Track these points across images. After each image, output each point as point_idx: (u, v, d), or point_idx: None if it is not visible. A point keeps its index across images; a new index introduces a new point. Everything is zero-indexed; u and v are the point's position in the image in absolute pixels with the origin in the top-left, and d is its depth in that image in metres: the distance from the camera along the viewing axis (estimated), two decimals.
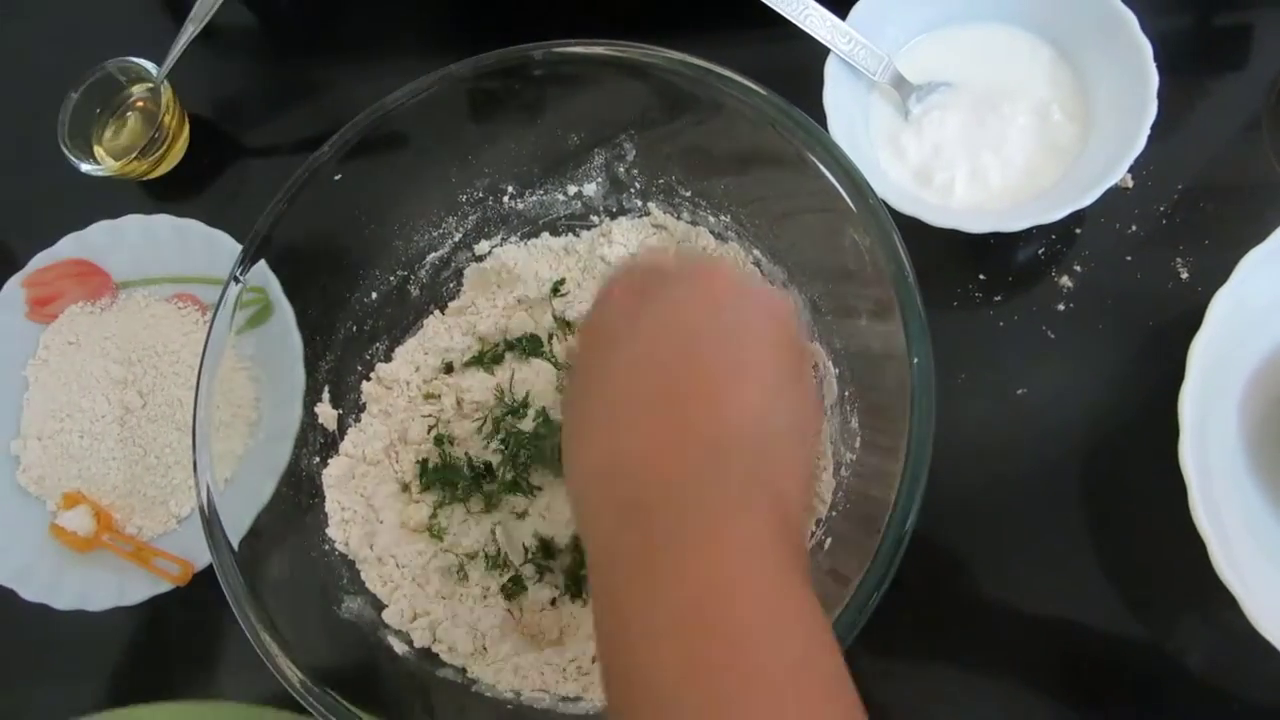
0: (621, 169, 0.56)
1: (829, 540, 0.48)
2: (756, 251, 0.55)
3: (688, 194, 0.56)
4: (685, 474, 0.33)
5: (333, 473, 0.53)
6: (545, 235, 0.58)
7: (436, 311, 0.58)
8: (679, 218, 0.57)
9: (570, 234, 0.58)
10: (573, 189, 0.57)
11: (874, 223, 0.44)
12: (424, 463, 0.54)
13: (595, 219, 0.57)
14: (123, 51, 0.67)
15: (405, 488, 0.54)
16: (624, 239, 0.56)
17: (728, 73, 0.47)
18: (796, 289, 0.54)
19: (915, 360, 0.41)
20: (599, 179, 0.56)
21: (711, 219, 0.56)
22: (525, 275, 0.56)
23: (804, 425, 0.37)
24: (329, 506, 0.52)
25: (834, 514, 0.50)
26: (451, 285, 0.58)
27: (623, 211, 0.57)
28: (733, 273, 0.38)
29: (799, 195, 0.49)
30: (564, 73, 0.50)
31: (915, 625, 0.53)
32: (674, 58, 0.48)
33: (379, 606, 0.50)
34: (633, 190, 0.57)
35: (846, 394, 0.51)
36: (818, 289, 0.53)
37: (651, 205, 0.57)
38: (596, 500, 0.35)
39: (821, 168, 0.46)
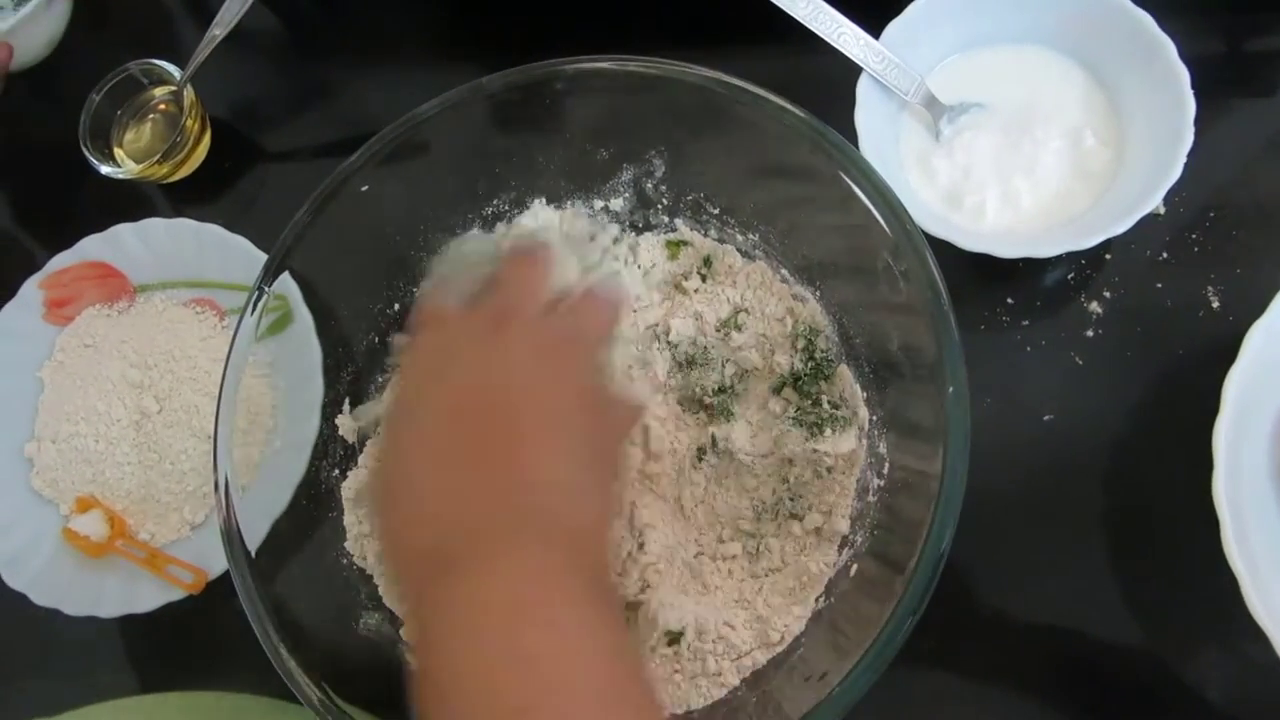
0: (650, 185, 0.56)
1: (855, 566, 0.48)
2: (784, 270, 0.54)
3: (715, 211, 0.56)
4: (483, 515, 0.36)
5: (351, 485, 0.52)
6: None
7: None
8: (706, 234, 0.56)
9: None
10: (599, 203, 0.56)
11: (910, 248, 0.43)
12: None
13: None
14: (146, 54, 0.67)
15: None
16: (649, 254, 0.56)
17: (763, 92, 0.47)
18: (823, 308, 0.53)
19: (951, 389, 0.41)
20: (626, 194, 0.56)
21: (739, 237, 0.55)
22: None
23: (597, 460, 0.40)
24: (347, 520, 0.51)
25: (859, 538, 0.49)
26: None
27: (649, 227, 0.57)
28: (525, 330, 0.41)
29: (831, 216, 0.48)
30: (594, 86, 0.50)
31: (935, 648, 0.53)
32: (707, 75, 0.47)
33: (398, 623, 0.49)
34: (660, 206, 0.56)
35: (875, 418, 0.51)
36: (847, 310, 0.52)
37: (679, 221, 0.56)
38: (406, 557, 0.37)
39: (856, 189, 0.45)
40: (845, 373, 0.52)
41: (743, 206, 0.55)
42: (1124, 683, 0.52)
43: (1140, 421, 0.55)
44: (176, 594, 0.57)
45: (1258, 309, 0.49)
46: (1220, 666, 0.51)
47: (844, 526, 0.50)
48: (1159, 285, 0.57)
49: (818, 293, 0.53)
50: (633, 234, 0.57)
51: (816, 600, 0.49)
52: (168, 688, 0.59)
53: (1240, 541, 0.45)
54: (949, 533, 0.40)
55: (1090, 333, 0.56)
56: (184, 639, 0.59)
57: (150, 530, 0.60)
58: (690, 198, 0.55)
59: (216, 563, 0.58)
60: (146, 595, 0.58)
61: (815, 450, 0.50)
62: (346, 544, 0.51)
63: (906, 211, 0.44)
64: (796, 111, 0.46)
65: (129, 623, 0.58)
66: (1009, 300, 0.57)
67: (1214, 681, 0.51)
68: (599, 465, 0.40)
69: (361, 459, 0.53)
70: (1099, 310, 0.57)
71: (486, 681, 0.31)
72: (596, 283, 0.44)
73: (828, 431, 0.50)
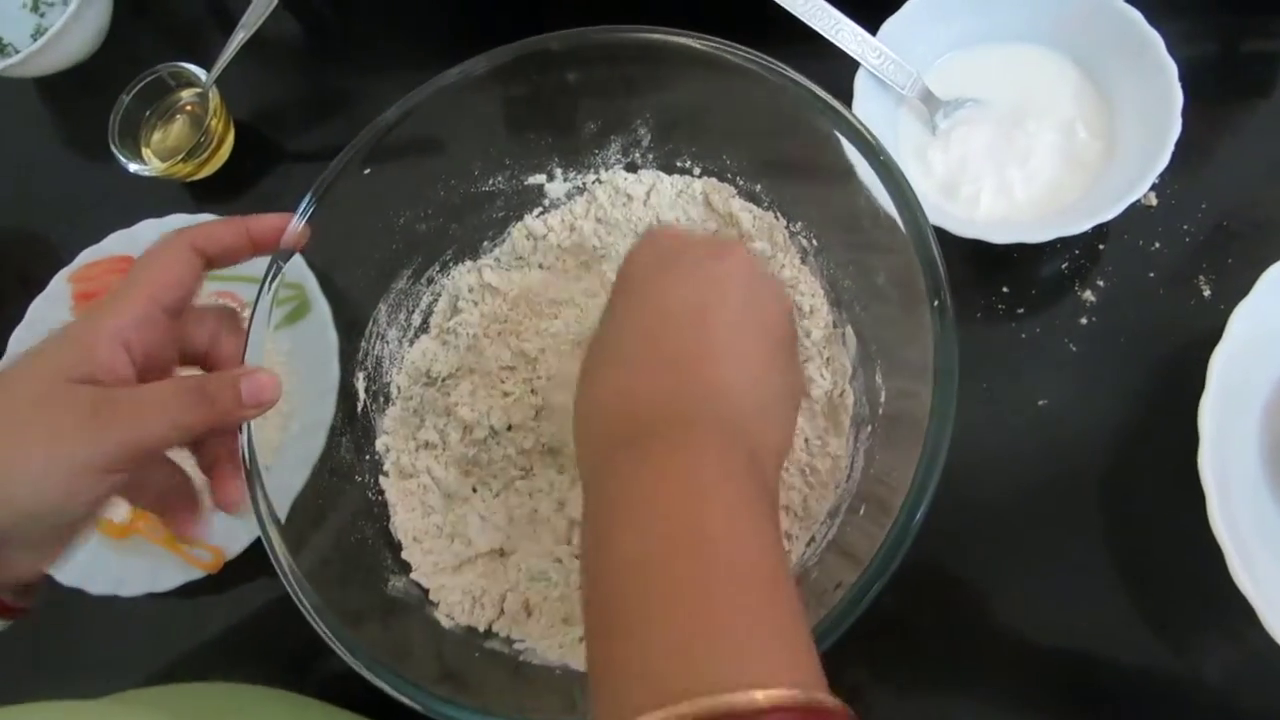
0: (637, 154, 0.58)
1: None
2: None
3: (698, 173, 0.57)
4: (677, 413, 0.37)
5: (382, 454, 0.55)
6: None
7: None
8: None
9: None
10: (591, 176, 0.58)
11: (891, 182, 0.46)
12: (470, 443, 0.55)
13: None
14: (174, 57, 0.70)
15: (459, 470, 0.55)
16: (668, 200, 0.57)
17: (739, 48, 0.49)
18: (815, 260, 0.55)
19: (938, 309, 0.44)
20: (615, 165, 0.58)
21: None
22: (563, 240, 0.58)
23: (790, 395, 0.42)
24: (384, 484, 0.54)
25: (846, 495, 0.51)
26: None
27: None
28: (747, 255, 0.42)
29: (817, 168, 0.50)
30: (581, 59, 0.52)
31: (926, 629, 0.54)
32: (693, 40, 0.49)
33: (425, 587, 0.51)
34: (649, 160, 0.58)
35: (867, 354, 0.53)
36: (832, 256, 0.54)
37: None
38: (597, 429, 0.39)
39: (838, 135, 0.48)
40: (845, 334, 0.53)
41: (730, 166, 0.56)
42: (1117, 663, 0.53)
43: (1133, 406, 0.56)
44: (196, 574, 0.59)
45: (1247, 295, 0.51)
46: (1216, 646, 0.52)
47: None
48: (1151, 274, 0.58)
49: (812, 243, 0.55)
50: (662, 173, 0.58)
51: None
52: (188, 663, 0.61)
53: (1227, 517, 0.46)
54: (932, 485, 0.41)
55: (1084, 320, 0.58)
56: (204, 616, 0.61)
57: None
58: (677, 162, 0.57)
59: (235, 543, 0.60)
60: (167, 575, 0.59)
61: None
62: (375, 512, 0.53)
63: (885, 149, 0.46)
64: (776, 65, 0.48)
65: (150, 601, 0.60)
66: (1005, 289, 0.59)
67: (1208, 660, 0.52)
68: (788, 399, 0.41)
69: (381, 437, 0.55)
70: (1093, 299, 0.58)
71: (666, 559, 0.32)
72: None
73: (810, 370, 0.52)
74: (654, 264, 0.42)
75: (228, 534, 0.60)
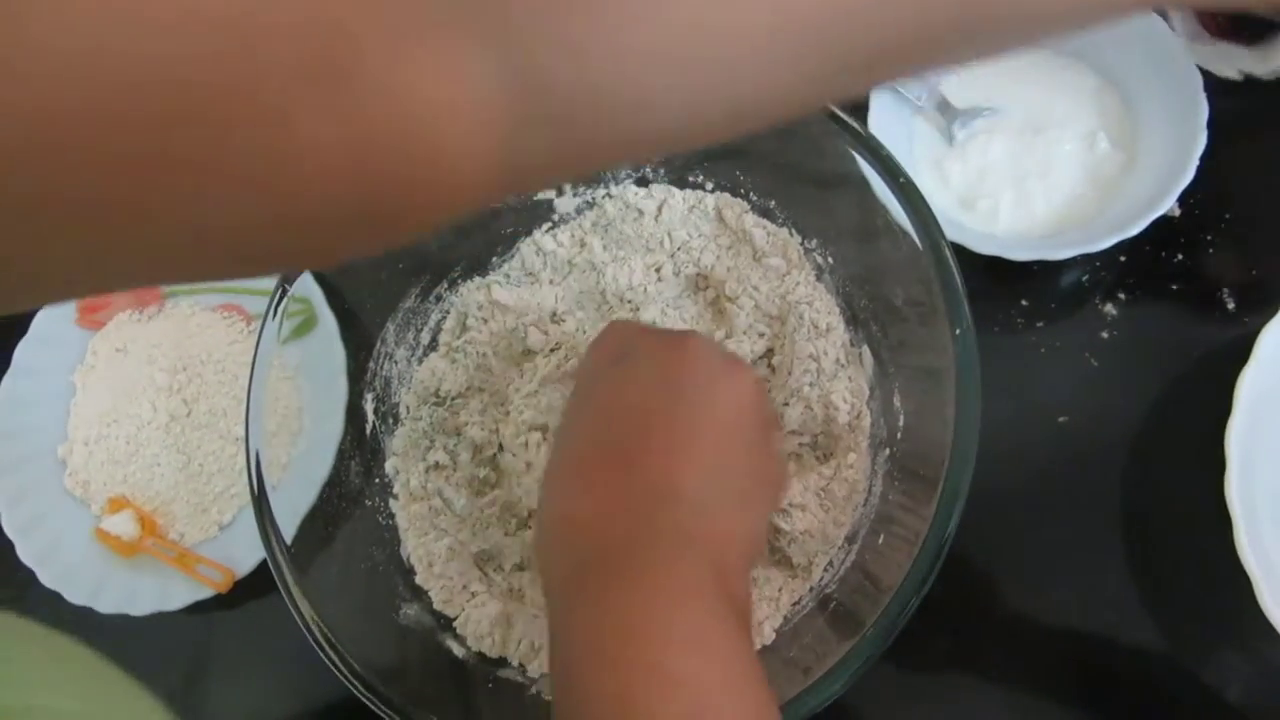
0: (649, 168, 0.56)
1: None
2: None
3: (710, 188, 0.56)
4: (624, 532, 0.35)
5: (391, 476, 0.54)
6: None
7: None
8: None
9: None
10: (601, 190, 0.57)
11: (906, 201, 0.45)
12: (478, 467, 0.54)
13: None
14: None
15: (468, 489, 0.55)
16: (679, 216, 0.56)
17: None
18: (831, 278, 0.54)
19: (958, 330, 0.43)
20: (627, 179, 0.57)
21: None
22: (575, 259, 0.57)
23: (757, 485, 0.40)
24: (394, 507, 0.53)
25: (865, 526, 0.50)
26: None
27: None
28: (703, 345, 0.41)
29: (831, 185, 0.50)
30: None
31: (949, 648, 0.53)
32: None
33: (436, 612, 0.50)
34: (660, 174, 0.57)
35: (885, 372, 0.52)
36: (849, 273, 0.53)
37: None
38: (556, 555, 0.37)
39: (853, 154, 0.47)
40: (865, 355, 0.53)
41: (743, 181, 0.55)
42: (1138, 683, 0.52)
43: (1155, 423, 0.55)
44: (206, 592, 0.59)
45: (1272, 310, 0.50)
46: (1236, 668, 0.52)
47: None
48: (1174, 287, 0.57)
49: (827, 261, 0.54)
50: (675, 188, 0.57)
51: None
52: (197, 683, 0.61)
53: (1254, 541, 0.46)
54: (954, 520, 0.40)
55: (1105, 334, 0.57)
56: (213, 635, 0.61)
57: (180, 530, 0.61)
58: (689, 177, 0.56)
59: (244, 562, 0.59)
60: (176, 594, 0.59)
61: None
62: (386, 537, 0.52)
63: (902, 168, 0.45)
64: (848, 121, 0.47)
65: (159, 620, 0.59)
66: (1023, 302, 0.58)
67: (1230, 683, 0.51)
68: (754, 490, 0.39)
69: (390, 458, 0.55)
70: (1113, 312, 0.57)
71: (626, 705, 0.31)
72: None
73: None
74: (606, 361, 0.41)
75: (237, 553, 0.59)
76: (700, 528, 0.36)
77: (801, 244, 0.54)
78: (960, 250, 0.52)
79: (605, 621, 0.33)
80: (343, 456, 0.52)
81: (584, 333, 0.55)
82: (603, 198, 0.57)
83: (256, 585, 0.59)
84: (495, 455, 0.54)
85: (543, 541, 0.38)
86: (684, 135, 0.26)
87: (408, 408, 0.56)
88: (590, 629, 0.33)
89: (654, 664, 0.32)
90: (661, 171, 0.56)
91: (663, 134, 0.25)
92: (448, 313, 0.57)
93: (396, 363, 0.56)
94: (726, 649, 0.33)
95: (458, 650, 0.49)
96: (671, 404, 0.38)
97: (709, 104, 0.24)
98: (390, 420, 0.55)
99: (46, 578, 0.60)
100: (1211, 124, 0.52)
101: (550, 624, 0.36)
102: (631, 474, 0.36)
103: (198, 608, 0.58)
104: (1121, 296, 0.57)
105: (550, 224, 0.57)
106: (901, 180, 0.45)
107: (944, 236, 0.45)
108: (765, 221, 0.55)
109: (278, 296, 0.50)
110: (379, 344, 0.55)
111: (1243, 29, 0.53)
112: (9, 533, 0.60)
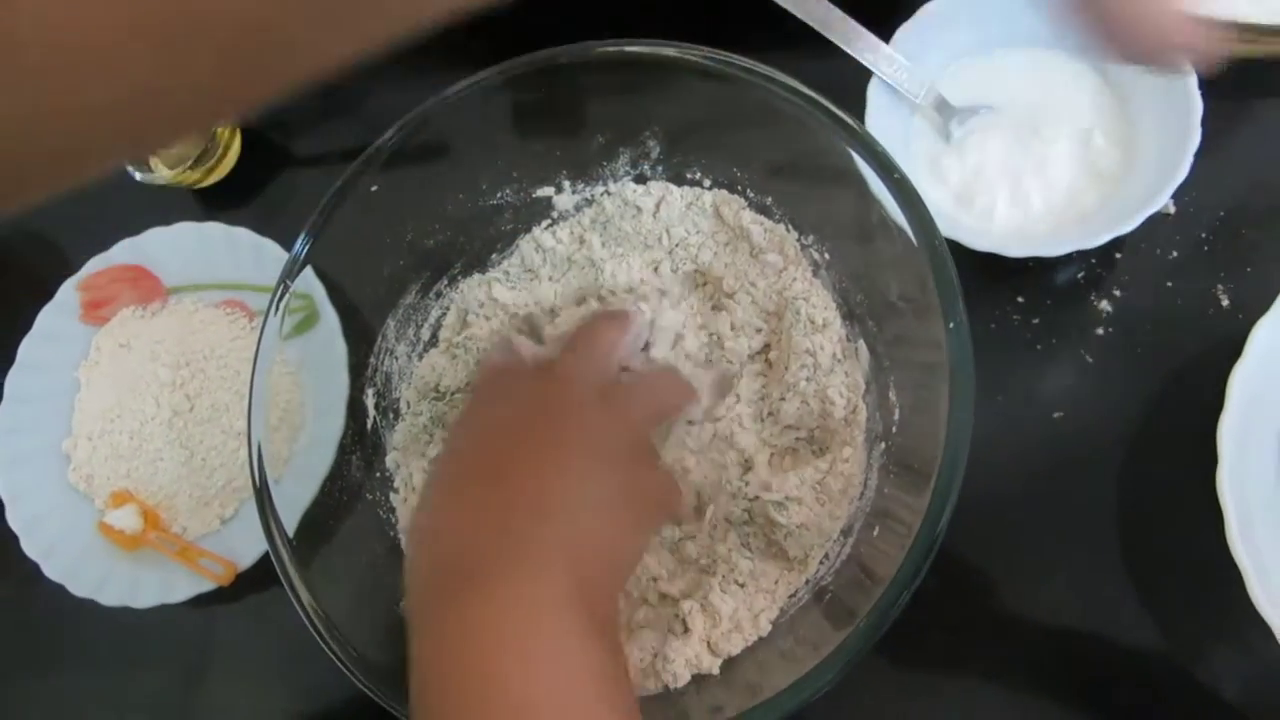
0: (647, 166, 0.57)
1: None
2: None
3: (708, 185, 0.57)
4: (487, 541, 0.36)
5: (391, 470, 0.54)
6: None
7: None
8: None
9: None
10: (599, 188, 0.57)
11: (903, 199, 0.45)
12: None
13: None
14: None
15: None
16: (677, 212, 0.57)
17: (750, 63, 0.48)
18: (828, 274, 0.54)
19: (951, 324, 0.43)
20: (625, 177, 0.57)
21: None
22: (574, 256, 0.57)
23: (629, 505, 0.40)
24: (394, 501, 0.53)
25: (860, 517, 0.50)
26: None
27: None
28: (578, 374, 0.42)
29: (827, 180, 0.50)
30: (591, 71, 0.51)
31: (943, 644, 0.54)
32: (704, 54, 0.49)
33: None
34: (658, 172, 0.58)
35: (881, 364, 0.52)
36: (847, 270, 0.53)
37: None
38: (418, 558, 0.38)
39: (849, 150, 0.47)
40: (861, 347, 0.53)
41: (741, 178, 0.56)
42: (1134, 679, 0.53)
43: (1150, 419, 0.55)
44: (207, 585, 0.59)
45: (1267, 307, 0.50)
46: (1231, 664, 0.52)
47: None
48: (1169, 284, 0.57)
49: (824, 257, 0.54)
50: (673, 186, 0.57)
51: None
52: (199, 675, 0.61)
53: (1245, 536, 0.46)
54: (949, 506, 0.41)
55: (1100, 331, 0.57)
56: (215, 628, 0.61)
57: (182, 524, 0.62)
58: (687, 174, 0.57)
59: (246, 556, 0.60)
60: (179, 586, 0.59)
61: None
62: (387, 530, 0.53)
63: (899, 166, 0.46)
64: (789, 81, 0.48)
65: (162, 613, 0.60)
66: (1019, 299, 0.58)
67: (1223, 677, 0.52)
68: (627, 508, 0.39)
69: (390, 453, 0.55)
70: (1109, 309, 0.57)
71: (451, 687, 0.32)
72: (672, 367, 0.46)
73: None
74: (486, 386, 0.43)
75: (239, 547, 0.60)
76: (565, 542, 0.36)
77: (798, 240, 0.54)
78: (956, 247, 0.52)
79: (454, 631, 0.33)
80: (344, 451, 0.53)
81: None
82: (602, 195, 0.57)
83: (258, 578, 0.59)
84: None
85: (408, 555, 0.39)
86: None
87: (408, 403, 0.56)
88: (439, 639, 0.34)
89: (496, 679, 0.32)
90: (660, 169, 0.57)
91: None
92: (448, 309, 0.58)
93: (397, 358, 0.56)
94: (577, 665, 0.33)
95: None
96: (543, 422, 0.39)
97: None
98: (391, 415, 0.56)
99: (51, 571, 0.60)
100: (1206, 121, 0.52)
101: (407, 621, 0.37)
102: (498, 487, 0.37)
103: (200, 601, 0.59)
104: (1117, 293, 0.57)
105: (550, 221, 0.58)
106: (896, 176, 0.46)
107: (939, 232, 0.45)
108: (762, 218, 0.55)
109: (280, 293, 0.50)
110: (380, 340, 0.56)
111: None
112: (14, 526, 0.61)
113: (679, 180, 0.57)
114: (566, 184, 0.57)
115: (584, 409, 0.40)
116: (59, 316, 0.67)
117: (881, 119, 0.56)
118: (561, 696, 0.32)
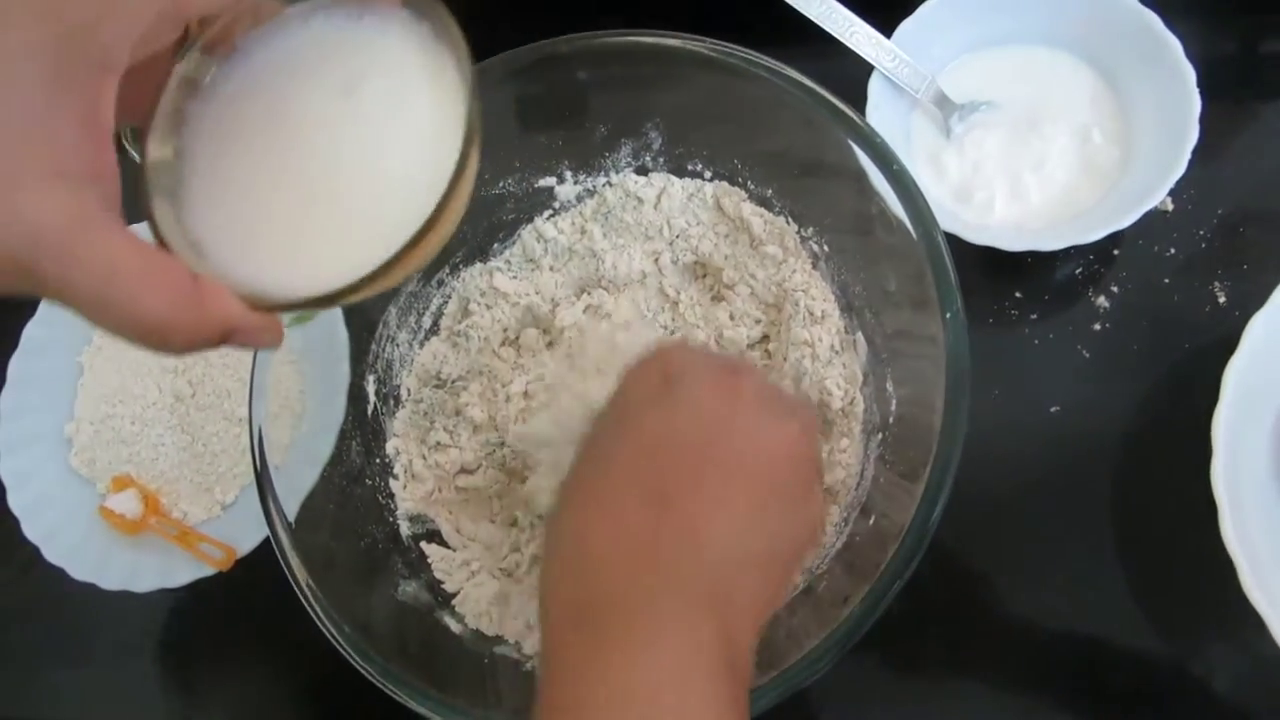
0: (648, 157, 0.57)
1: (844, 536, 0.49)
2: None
3: (709, 176, 0.57)
4: (638, 584, 0.33)
5: (392, 457, 0.55)
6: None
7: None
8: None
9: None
10: (601, 179, 0.57)
11: (901, 190, 0.46)
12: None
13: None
14: None
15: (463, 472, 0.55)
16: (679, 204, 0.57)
17: (753, 54, 0.48)
18: (825, 265, 0.55)
19: (948, 314, 0.44)
20: (626, 168, 0.58)
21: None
22: (576, 246, 0.58)
23: (785, 548, 0.37)
24: (394, 487, 0.54)
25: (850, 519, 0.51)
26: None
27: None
28: (756, 382, 0.38)
29: (825, 171, 0.50)
30: (594, 62, 0.52)
31: (938, 637, 0.54)
32: (705, 44, 0.49)
33: (434, 590, 0.51)
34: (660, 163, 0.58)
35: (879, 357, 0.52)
36: (845, 261, 0.54)
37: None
38: (561, 575, 0.35)
39: (849, 142, 0.47)
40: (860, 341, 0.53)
41: (741, 170, 0.56)
42: (1128, 672, 0.53)
43: (1146, 414, 0.56)
44: (207, 570, 0.60)
45: (1263, 303, 0.50)
46: (1224, 655, 0.52)
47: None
48: (1166, 280, 0.58)
49: (823, 249, 0.55)
50: (674, 177, 0.57)
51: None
52: (198, 658, 0.62)
53: (1239, 529, 0.46)
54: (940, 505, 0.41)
55: (1097, 326, 0.57)
56: (214, 613, 0.62)
57: (183, 509, 0.62)
58: (688, 165, 0.57)
59: (245, 541, 0.60)
60: (178, 571, 0.60)
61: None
62: (388, 515, 0.53)
63: (898, 158, 0.46)
64: (791, 74, 0.48)
65: (161, 597, 0.60)
66: (1017, 294, 0.58)
67: (1218, 670, 0.52)
68: (783, 551, 0.36)
69: (391, 440, 0.55)
70: (1106, 304, 0.58)
71: None
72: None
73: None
74: (655, 387, 0.37)
75: (239, 532, 0.60)
76: (717, 587, 0.34)
77: (798, 232, 0.55)
78: (955, 241, 0.52)
79: (600, 678, 0.32)
80: (344, 437, 0.53)
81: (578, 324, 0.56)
82: (603, 185, 0.58)
83: (257, 564, 0.59)
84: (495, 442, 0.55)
85: (550, 556, 0.36)
86: None
87: (409, 390, 0.56)
88: (582, 682, 0.32)
89: None
90: (661, 160, 0.57)
91: None
92: (449, 297, 0.58)
93: (398, 346, 0.57)
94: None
95: (455, 627, 0.50)
96: (714, 447, 0.35)
97: None
98: (391, 402, 0.56)
99: (51, 554, 0.60)
100: (1205, 121, 0.53)
101: (543, 646, 0.35)
102: (660, 507, 0.34)
103: (199, 585, 0.59)
104: (1115, 289, 0.58)
105: (551, 211, 0.58)
106: (896, 169, 0.46)
107: (938, 225, 0.45)
108: (763, 210, 0.55)
109: None
110: (381, 327, 0.56)
111: None
112: (15, 510, 0.61)
113: (680, 172, 0.57)
114: (568, 174, 0.57)
115: (762, 431, 0.36)
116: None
117: (882, 113, 0.56)
118: None
